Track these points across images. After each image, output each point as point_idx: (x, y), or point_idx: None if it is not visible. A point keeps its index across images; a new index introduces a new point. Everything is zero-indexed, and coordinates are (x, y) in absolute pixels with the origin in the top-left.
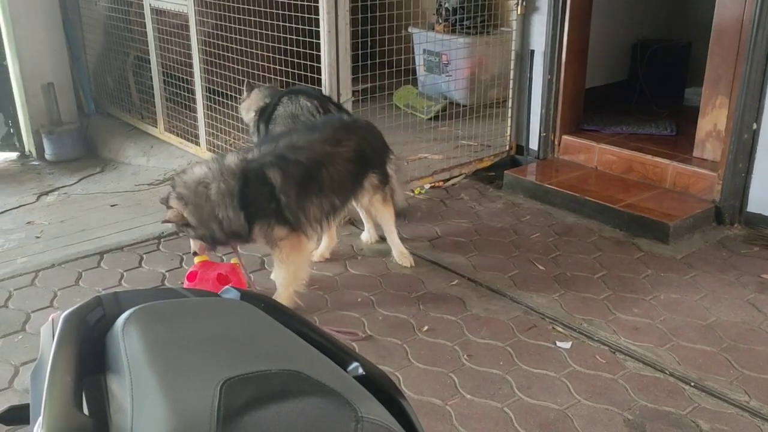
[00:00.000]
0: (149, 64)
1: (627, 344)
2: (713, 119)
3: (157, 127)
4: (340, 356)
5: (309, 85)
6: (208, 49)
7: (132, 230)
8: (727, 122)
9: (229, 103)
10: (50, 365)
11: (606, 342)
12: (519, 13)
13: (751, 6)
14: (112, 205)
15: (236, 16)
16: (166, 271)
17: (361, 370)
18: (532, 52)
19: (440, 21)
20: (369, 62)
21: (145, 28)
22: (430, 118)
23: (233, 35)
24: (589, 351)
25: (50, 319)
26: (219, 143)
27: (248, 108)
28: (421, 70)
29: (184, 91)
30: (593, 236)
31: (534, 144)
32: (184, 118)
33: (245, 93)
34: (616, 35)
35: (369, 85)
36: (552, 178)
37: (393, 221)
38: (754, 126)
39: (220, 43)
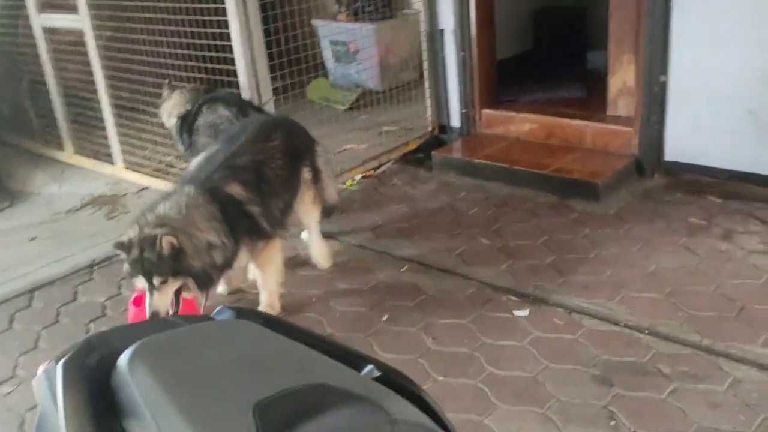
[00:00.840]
0: (47, 86)
1: (580, 303)
2: (622, 77)
3: (65, 151)
4: (353, 360)
5: (228, 91)
6: (111, 63)
7: (60, 262)
8: (637, 78)
9: (142, 117)
10: (63, 418)
11: (560, 304)
12: None
13: None
14: (31, 239)
15: (138, 26)
16: (106, 300)
17: (376, 371)
18: (442, 31)
19: (342, 10)
20: (277, 61)
21: (37, 49)
22: (348, 108)
23: (137, 46)
24: (546, 315)
25: (41, 370)
26: (136, 160)
27: (170, 112)
28: (330, 62)
29: (91, 110)
30: (528, 204)
31: (456, 121)
32: (95, 138)
33: (166, 93)
34: (518, 7)
35: (281, 84)
36: (479, 152)
37: (318, 220)
38: (662, 78)
39: (123, 55)
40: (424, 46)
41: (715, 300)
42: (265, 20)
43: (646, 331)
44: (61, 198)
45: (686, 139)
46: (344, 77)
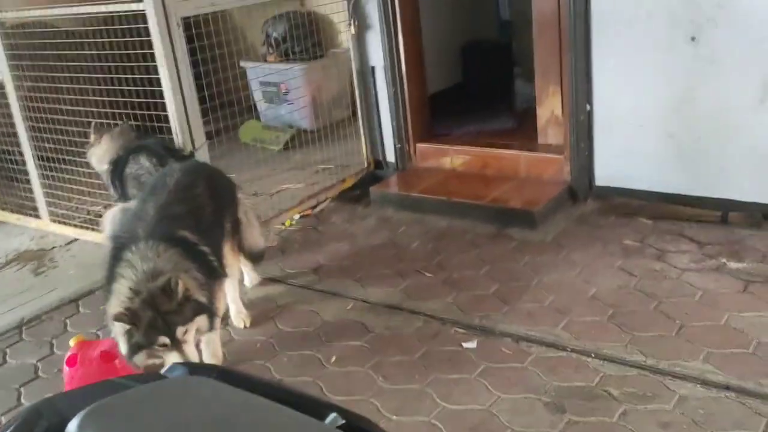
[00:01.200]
0: None
1: (526, 331)
2: (550, 107)
3: None
4: (315, 408)
5: (157, 138)
6: (33, 114)
7: None
8: (564, 107)
9: (68, 167)
10: None
11: (507, 333)
12: (353, 32)
13: (564, 0)
14: None
15: (60, 74)
16: (38, 361)
17: (340, 419)
18: (373, 68)
19: (271, 51)
20: (209, 104)
21: None
22: (283, 149)
23: (60, 95)
24: (494, 346)
25: None
26: (63, 212)
27: (100, 158)
28: (261, 104)
29: (12, 163)
30: (468, 235)
31: (391, 156)
32: (18, 192)
33: (93, 137)
34: (446, 41)
35: (213, 127)
36: (416, 186)
37: (241, 269)
38: (588, 107)
39: (45, 106)
40: (356, 83)
41: (655, 319)
42: (194, 64)
43: (593, 355)
44: None
45: (614, 165)
46: (276, 118)
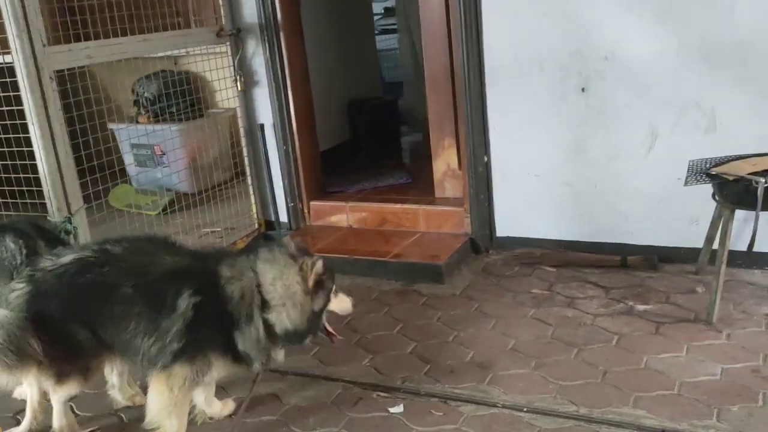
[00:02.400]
0: None
1: (452, 390)
2: (445, 160)
3: None
4: None
5: (26, 216)
6: None
7: None
8: (461, 160)
9: None
10: None
11: (432, 393)
12: (239, 89)
13: (457, 56)
14: None
15: None
16: None
17: None
18: (262, 125)
19: (143, 112)
20: (77, 168)
21: None
22: (161, 213)
23: None
24: (422, 408)
25: None
26: None
27: None
28: (132, 167)
29: None
30: (374, 293)
31: (284, 216)
32: None
33: None
34: (333, 99)
35: (82, 192)
36: (313, 245)
37: None
38: (485, 159)
39: None
40: (244, 142)
41: (578, 367)
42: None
43: (525, 409)
44: None
45: (514, 215)
46: (151, 182)
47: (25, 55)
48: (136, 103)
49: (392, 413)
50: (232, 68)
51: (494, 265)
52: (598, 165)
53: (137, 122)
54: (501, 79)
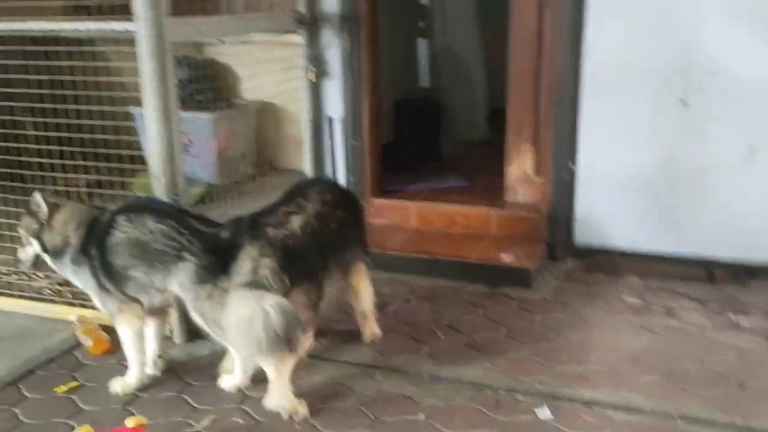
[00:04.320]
0: None
1: (591, 395)
2: (521, 165)
3: None
4: None
5: (146, 197)
6: None
7: None
8: (540, 166)
9: None
10: None
11: (573, 398)
12: (312, 80)
13: (553, 60)
14: None
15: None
16: None
17: None
18: (331, 119)
19: None
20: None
21: None
22: (195, 204)
23: None
24: (569, 413)
25: None
26: None
27: (62, 226)
28: None
29: None
30: (461, 295)
31: None
32: None
33: (41, 208)
34: (384, 97)
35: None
36: (384, 244)
37: None
38: (571, 166)
39: None
40: (306, 135)
41: (711, 378)
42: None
43: (675, 416)
44: None
45: (595, 222)
46: None
47: (151, 22)
48: None
49: (541, 419)
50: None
51: (575, 272)
52: (691, 178)
53: None
54: (599, 86)
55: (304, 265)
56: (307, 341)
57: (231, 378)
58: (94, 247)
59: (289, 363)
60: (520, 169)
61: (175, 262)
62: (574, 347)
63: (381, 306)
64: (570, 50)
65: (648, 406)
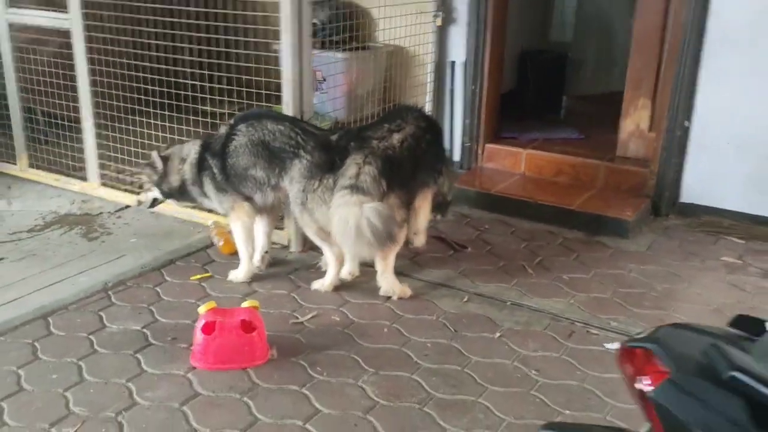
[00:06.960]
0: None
1: None
2: (636, 120)
3: (17, 164)
4: None
5: (259, 108)
6: (98, 67)
7: (56, 286)
8: (655, 121)
9: (121, 126)
10: None
11: None
12: (438, 24)
13: (679, 17)
14: None
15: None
16: (143, 328)
17: None
18: (453, 63)
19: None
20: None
21: None
22: None
23: (132, 49)
24: None
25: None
26: (112, 174)
27: (175, 171)
28: None
29: (55, 119)
30: (558, 239)
31: (456, 155)
32: (59, 150)
33: (157, 164)
34: (508, 47)
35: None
36: (493, 186)
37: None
38: (686, 123)
39: (111, 59)
40: (430, 78)
41: None
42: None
43: None
44: (13, 216)
45: (703, 183)
46: None
47: None
48: None
49: (609, 349)
50: (428, 4)
51: (676, 230)
52: None
53: None
54: (725, 45)
55: (400, 173)
56: (402, 234)
57: (320, 281)
58: (210, 158)
59: (392, 254)
60: (635, 124)
61: (291, 158)
62: (658, 295)
63: (478, 242)
64: (697, 8)
65: None
